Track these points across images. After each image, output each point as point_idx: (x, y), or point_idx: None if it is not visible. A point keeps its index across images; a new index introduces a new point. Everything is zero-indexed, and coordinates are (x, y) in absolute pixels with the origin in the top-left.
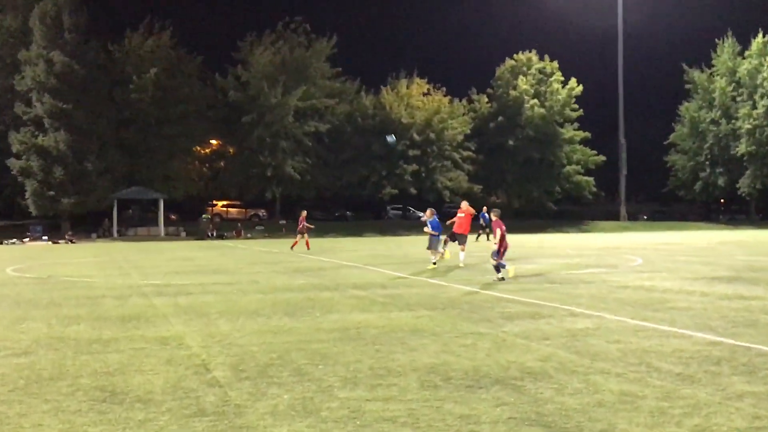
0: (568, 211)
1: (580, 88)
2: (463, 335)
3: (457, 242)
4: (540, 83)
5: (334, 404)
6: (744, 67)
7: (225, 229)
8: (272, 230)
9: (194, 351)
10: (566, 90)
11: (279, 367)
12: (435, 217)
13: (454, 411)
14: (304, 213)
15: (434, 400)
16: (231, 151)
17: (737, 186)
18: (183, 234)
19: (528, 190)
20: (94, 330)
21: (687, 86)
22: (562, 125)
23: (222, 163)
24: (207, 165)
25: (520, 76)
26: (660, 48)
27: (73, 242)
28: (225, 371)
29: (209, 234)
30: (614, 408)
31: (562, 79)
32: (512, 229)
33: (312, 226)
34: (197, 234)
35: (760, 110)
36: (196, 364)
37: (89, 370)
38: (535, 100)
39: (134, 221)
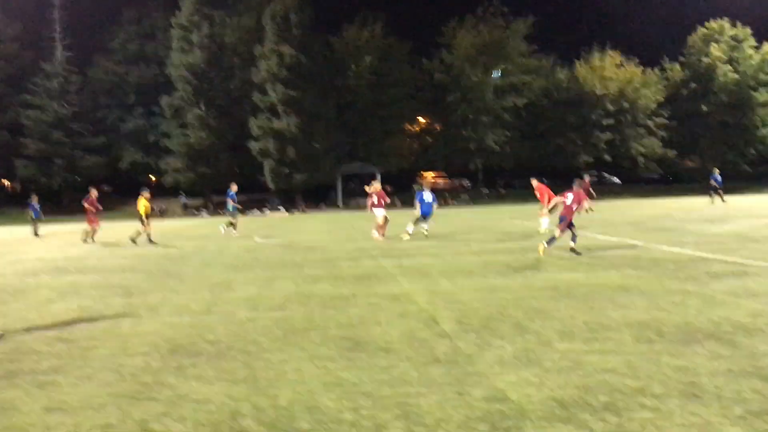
0: (763, 173)
1: None
2: (672, 293)
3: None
4: (733, 50)
5: (555, 356)
6: None
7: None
8: (475, 198)
9: (422, 306)
10: (760, 55)
11: (499, 321)
12: (428, 192)
13: (671, 363)
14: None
15: (650, 353)
16: (437, 127)
17: None
18: (398, 204)
19: (722, 153)
20: (334, 287)
21: None
22: (756, 89)
23: (429, 139)
24: (417, 141)
25: (712, 44)
26: None
27: (305, 212)
28: (451, 324)
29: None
30: None
31: (756, 44)
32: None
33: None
34: (408, 202)
35: None
36: (425, 318)
37: (335, 323)
38: (728, 66)
39: (356, 192)
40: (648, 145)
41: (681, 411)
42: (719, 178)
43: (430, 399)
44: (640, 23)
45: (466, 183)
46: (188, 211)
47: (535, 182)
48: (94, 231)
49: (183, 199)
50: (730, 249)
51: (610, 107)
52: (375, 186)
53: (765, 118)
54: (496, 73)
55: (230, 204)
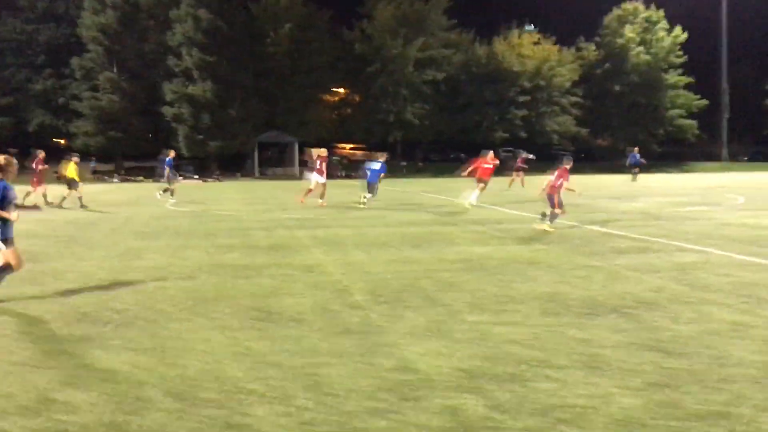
0: (670, 153)
1: (685, 35)
2: (578, 267)
3: (482, 185)
4: (646, 31)
5: (464, 327)
6: None
7: (351, 169)
8: (393, 171)
9: (336, 277)
10: (671, 37)
11: (411, 293)
12: (376, 162)
13: (575, 336)
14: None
15: (556, 326)
16: (357, 98)
17: None
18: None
19: (633, 133)
20: (246, 257)
21: None
22: (666, 71)
23: (349, 110)
24: (336, 112)
25: (627, 25)
26: None
27: (220, 181)
28: (364, 295)
29: (339, 174)
30: (727, 336)
31: (668, 26)
32: (618, 170)
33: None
34: (327, 174)
35: None
36: (338, 289)
37: (246, 293)
38: (641, 48)
39: (273, 162)
40: (562, 123)
41: (583, 382)
42: (638, 156)
43: (340, 369)
44: (558, 2)
45: (385, 155)
46: (98, 176)
47: (490, 156)
48: (38, 193)
49: (93, 164)
50: (635, 226)
51: (527, 84)
52: (321, 151)
53: (674, 100)
54: (529, 27)
55: (167, 171)
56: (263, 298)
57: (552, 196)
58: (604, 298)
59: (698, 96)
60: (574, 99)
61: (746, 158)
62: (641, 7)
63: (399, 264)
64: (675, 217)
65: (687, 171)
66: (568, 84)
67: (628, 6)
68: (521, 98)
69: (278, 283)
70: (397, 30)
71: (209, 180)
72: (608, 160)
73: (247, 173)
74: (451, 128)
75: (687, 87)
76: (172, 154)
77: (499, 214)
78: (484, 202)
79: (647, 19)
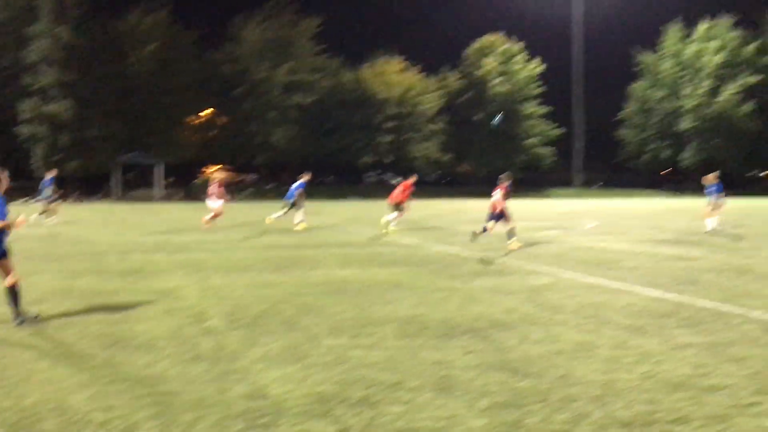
0: (528, 179)
1: (542, 67)
2: (437, 290)
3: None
4: (505, 63)
5: (321, 351)
6: (689, 50)
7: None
8: (261, 193)
9: (192, 302)
10: (529, 69)
11: (269, 318)
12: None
13: (429, 357)
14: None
15: (411, 348)
16: (223, 120)
17: (678, 159)
18: (180, 196)
19: (493, 159)
20: (99, 282)
21: (637, 68)
22: (524, 102)
23: (215, 132)
24: (201, 133)
25: (488, 57)
26: (614, 32)
27: (80, 202)
28: (220, 321)
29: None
30: (572, 356)
31: (526, 59)
32: (479, 195)
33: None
34: (192, 196)
35: (703, 90)
36: (193, 314)
37: (95, 319)
38: (501, 78)
39: (135, 184)
40: (427, 149)
41: (432, 404)
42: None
43: (188, 397)
44: (423, 32)
45: (252, 177)
46: None
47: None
48: None
49: None
50: (492, 249)
51: (393, 111)
52: (217, 173)
53: (531, 129)
54: (498, 118)
55: (46, 191)
56: (113, 324)
57: (501, 214)
58: (459, 320)
59: (555, 125)
60: (437, 126)
61: (600, 184)
62: (501, 39)
63: (259, 288)
64: (530, 241)
65: (544, 196)
66: (432, 111)
67: (489, 38)
68: (388, 124)
69: (131, 309)
70: (265, 53)
71: (67, 202)
72: (471, 185)
73: (109, 195)
74: (319, 152)
75: (544, 116)
76: (51, 174)
77: (362, 237)
78: (349, 224)
79: (506, 52)
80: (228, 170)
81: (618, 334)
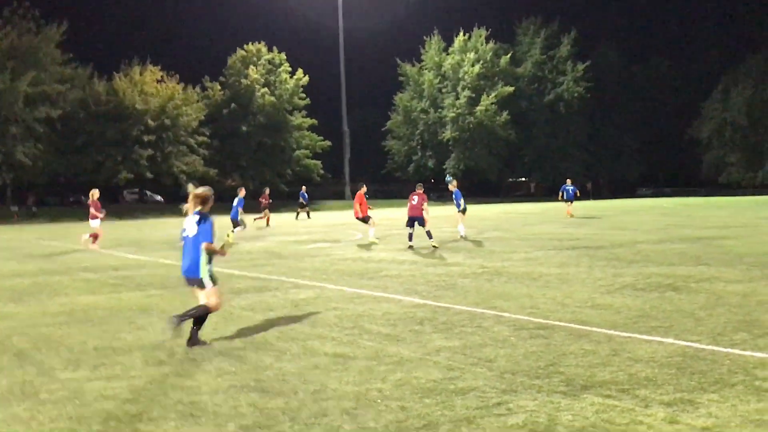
0: (298, 192)
1: (307, 78)
2: None
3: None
4: (269, 73)
5: (54, 386)
6: (448, 62)
7: None
8: (3, 217)
9: None
10: (294, 80)
11: None
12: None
13: (176, 384)
14: (267, 191)
15: (158, 376)
16: None
17: (444, 167)
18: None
19: (261, 173)
20: None
21: (401, 78)
22: (291, 113)
23: None
24: None
25: (251, 66)
26: (377, 43)
27: None
28: None
29: None
30: (328, 369)
31: (290, 69)
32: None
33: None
34: None
35: (462, 100)
36: None
37: None
38: (266, 89)
39: None
40: (190, 163)
41: None
42: (306, 195)
43: None
44: (181, 40)
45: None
46: None
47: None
48: None
49: None
50: (256, 265)
51: (152, 123)
52: (94, 192)
53: (299, 141)
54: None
55: None
56: None
57: (419, 218)
58: (213, 342)
59: (322, 137)
60: (201, 139)
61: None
62: (264, 48)
63: None
64: (296, 255)
65: (314, 209)
66: (195, 123)
67: (251, 47)
68: (146, 137)
69: None
70: (5, 63)
71: None
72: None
73: None
74: (69, 170)
75: (312, 128)
76: None
77: (117, 259)
78: (103, 246)
79: (270, 61)
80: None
81: (375, 343)
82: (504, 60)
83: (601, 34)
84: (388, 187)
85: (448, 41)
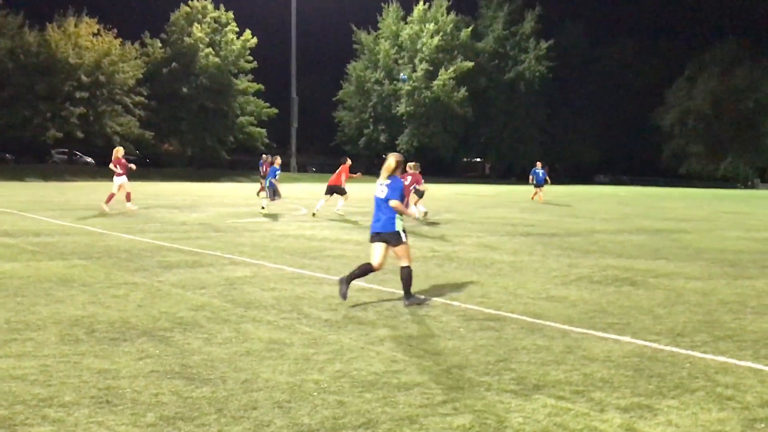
0: (242, 161)
1: (255, 40)
2: (116, 285)
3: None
4: (215, 32)
5: None
6: (406, 32)
7: None
8: None
9: None
10: (241, 41)
11: None
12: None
13: (92, 366)
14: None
15: (73, 355)
16: None
17: (397, 143)
18: None
19: (202, 138)
20: None
21: (355, 46)
22: (236, 76)
23: None
24: None
25: (195, 24)
26: (331, 7)
27: None
28: None
29: None
30: (261, 356)
31: (237, 29)
32: (185, 177)
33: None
34: None
35: (419, 73)
36: None
37: None
38: (210, 49)
39: None
40: (125, 124)
41: (87, 421)
42: (279, 169)
43: None
44: None
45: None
46: None
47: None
48: None
49: None
50: (190, 238)
51: (85, 79)
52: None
53: (244, 106)
54: (403, 76)
55: None
56: None
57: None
58: (137, 320)
59: (268, 104)
60: (138, 98)
61: (314, 169)
62: (210, 6)
63: None
64: (235, 229)
65: (258, 181)
66: (132, 82)
67: (196, 3)
68: (78, 94)
69: None
70: None
71: None
72: (176, 166)
73: None
74: None
75: (258, 94)
76: None
77: (39, 224)
78: (24, 209)
79: (216, 20)
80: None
81: (314, 329)
82: (465, 33)
83: (566, 12)
84: (336, 160)
85: (407, 9)
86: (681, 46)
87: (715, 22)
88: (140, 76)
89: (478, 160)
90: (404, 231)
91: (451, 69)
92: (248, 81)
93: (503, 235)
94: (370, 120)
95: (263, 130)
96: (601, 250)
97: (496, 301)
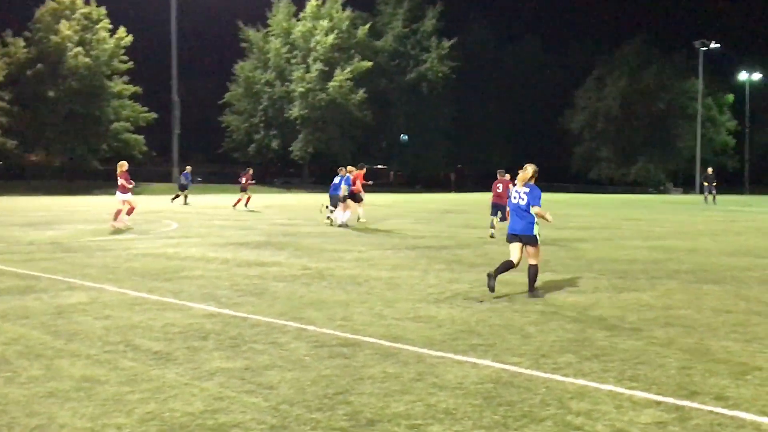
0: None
1: (130, 38)
2: None
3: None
4: (85, 30)
5: None
6: (298, 29)
7: None
8: None
9: None
10: (114, 39)
11: None
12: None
13: None
14: (251, 171)
15: None
16: None
17: (290, 149)
18: None
19: (71, 147)
20: None
21: (243, 45)
22: (110, 78)
23: None
24: None
25: (63, 21)
26: (215, 2)
27: None
28: None
29: None
30: (65, 397)
31: (111, 27)
32: (53, 190)
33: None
34: None
35: (313, 74)
36: None
37: None
38: (80, 48)
39: None
40: None
41: None
42: (190, 177)
43: None
44: None
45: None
46: None
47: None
48: None
49: None
50: (33, 260)
51: None
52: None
53: (118, 111)
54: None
55: None
56: None
57: (504, 206)
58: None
59: (146, 108)
60: None
61: (200, 179)
62: (79, 1)
63: None
64: (88, 248)
65: (136, 193)
66: None
67: None
68: None
69: None
70: None
71: None
72: (43, 178)
73: None
74: None
75: (135, 98)
76: None
77: None
78: None
79: (87, 16)
80: None
81: (138, 363)
82: (362, 31)
83: (470, 9)
84: (223, 168)
85: (300, 5)
86: (590, 45)
87: (626, 20)
88: (1, 78)
89: (381, 167)
90: (539, 234)
91: (348, 69)
92: (124, 83)
93: (387, 249)
94: (261, 124)
95: (141, 137)
96: (488, 263)
97: (357, 323)
